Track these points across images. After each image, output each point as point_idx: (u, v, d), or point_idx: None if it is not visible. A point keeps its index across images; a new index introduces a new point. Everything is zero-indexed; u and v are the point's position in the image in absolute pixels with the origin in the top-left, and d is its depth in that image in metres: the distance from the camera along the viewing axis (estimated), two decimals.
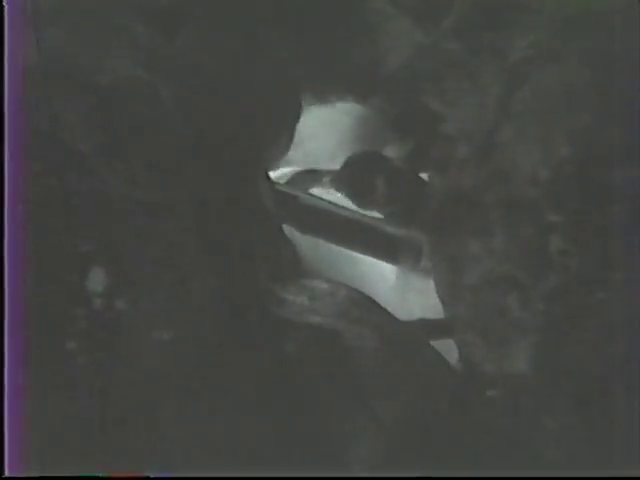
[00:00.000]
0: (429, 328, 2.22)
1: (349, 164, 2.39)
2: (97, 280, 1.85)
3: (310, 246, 2.44)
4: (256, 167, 2.14)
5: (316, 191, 2.54)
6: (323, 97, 2.32)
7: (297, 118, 2.23)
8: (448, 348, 2.11)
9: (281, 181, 2.50)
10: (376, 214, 2.46)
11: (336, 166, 2.43)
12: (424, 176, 2.30)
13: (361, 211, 2.45)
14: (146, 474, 1.77)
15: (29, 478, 1.74)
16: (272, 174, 2.31)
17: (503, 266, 2.00)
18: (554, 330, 1.96)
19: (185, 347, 1.89)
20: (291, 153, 2.31)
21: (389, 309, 2.12)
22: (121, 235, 1.89)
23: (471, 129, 2.08)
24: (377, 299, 2.13)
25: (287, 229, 2.26)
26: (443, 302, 2.13)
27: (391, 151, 2.36)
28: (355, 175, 2.37)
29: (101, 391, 1.81)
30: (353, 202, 2.39)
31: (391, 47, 2.19)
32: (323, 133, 2.53)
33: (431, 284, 2.17)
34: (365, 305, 2.08)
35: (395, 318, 2.11)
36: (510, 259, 2.00)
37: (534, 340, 1.97)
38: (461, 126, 2.09)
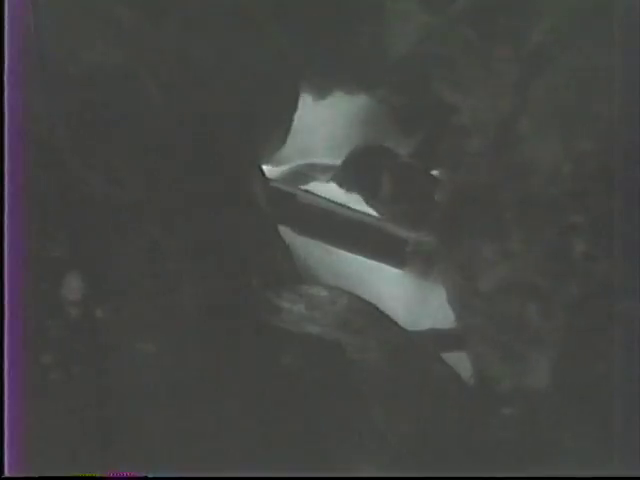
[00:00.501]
0: (439, 339, 2.20)
1: (352, 159, 2.39)
2: (73, 287, 1.80)
3: (308, 249, 2.42)
4: (249, 162, 2.12)
5: (315, 188, 2.52)
6: (323, 86, 2.36)
7: (294, 109, 2.22)
8: (460, 361, 2.07)
9: (276, 177, 2.49)
10: (381, 214, 2.45)
11: (337, 162, 2.44)
12: (434, 172, 2.30)
13: (365, 210, 2.43)
14: (145, 474, 1.78)
15: (29, 478, 1.77)
16: (267, 170, 2.28)
17: (520, 272, 1.96)
18: (576, 343, 1.92)
19: (172, 359, 1.85)
20: (287, 147, 2.31)
21: (395, 318, 2.08)
22: (100, 238, 1.84)
23: (485, 120, 2.05)
24: (382, 307, 2.09)
25: (283, 230, 2.23)
26: (455, 311, 2.10)
27: (398, 145, 2.38)
28: (358, 171, 2.37)
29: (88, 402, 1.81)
30: (356, 200, 2.40)
31: (397, 32, 2.24)
32: (323, 126, 2.55)
33: (441, 291, 2.16)
34: (368, 314, 2.04)
35: (402, 328, 2.08)
36: (528, 264, 1.96)
37: (554, 354, 1.93)
38: (474, 117, 2.06)
